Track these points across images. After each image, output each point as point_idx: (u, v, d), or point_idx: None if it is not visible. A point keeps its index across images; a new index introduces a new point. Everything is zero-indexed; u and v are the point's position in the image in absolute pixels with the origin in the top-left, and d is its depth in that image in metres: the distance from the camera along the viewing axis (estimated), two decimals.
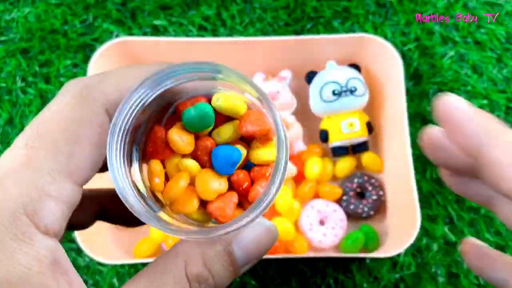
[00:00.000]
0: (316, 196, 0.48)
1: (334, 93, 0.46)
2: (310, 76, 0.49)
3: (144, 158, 0.19)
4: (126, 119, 0.16)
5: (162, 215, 0.17)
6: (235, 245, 0.17)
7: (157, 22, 0.54)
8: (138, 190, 0.17)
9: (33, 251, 0.14)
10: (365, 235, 0.46)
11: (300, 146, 0.48)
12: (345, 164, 0.49)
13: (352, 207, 0.47)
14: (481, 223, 0.48)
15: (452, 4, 0.56)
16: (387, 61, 0.47)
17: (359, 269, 0.47)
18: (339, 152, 0.48)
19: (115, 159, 0.16)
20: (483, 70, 0.54)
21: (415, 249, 0.47)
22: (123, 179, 0.16)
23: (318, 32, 0.55)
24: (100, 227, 0.46)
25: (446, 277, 0.47)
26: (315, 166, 0.47)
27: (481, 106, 0.52)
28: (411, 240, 0.40)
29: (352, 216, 0.48)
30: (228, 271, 0.17)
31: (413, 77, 0.54)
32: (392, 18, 0.56)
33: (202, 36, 0.55)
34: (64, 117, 0.16)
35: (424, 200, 0.49)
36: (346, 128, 0.47)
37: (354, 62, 0.49)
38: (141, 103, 0.17)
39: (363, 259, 0.47)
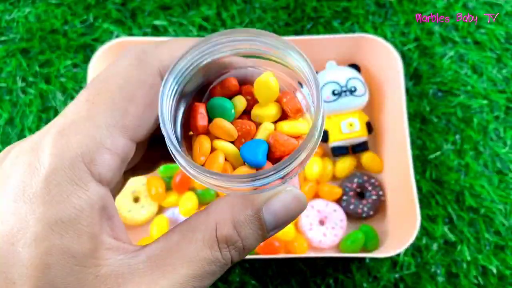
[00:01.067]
0: (316, 196, 0.48)
1: (334, 93, 0.46)
2: None
3: (185, 127, 0.20)
4: (178, 76, 0.18)
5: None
6: (265, 210, 0.18)
7: (157, 22, 0.55)
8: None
9: (86, 195, 0.16)
10: (365, 235, 0.46)
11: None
12: (345, 164, 0.49)
13: (352, 207, 0.47)
14: (481, 223, 0.48)
15: (452, 4, 0.56)
16: (386, 61, 0.47)
17: (359, 269, 0.47)
18: (339, 152, 0.48)
19: (165, 106, 0.17)
20: (483, 70, 0.54)
21: (415, 249, 0.47)
22: (168, 116, 0.17)
23: (318, 32, 0.55)
24: None
25: (446, 277, 0.47)
26: (315, 166, 0.47)
27: (480, 106, 0.52)
28: (410, 240, 0.40)
29: (352, 216, 0.48)
30: (257, 235, 0.18)
31: (413, 77, 0.54)
32: (392, 18, 0.56)
33: (203, 36, 0.55)
34: (122, 78, 0.17)
35: (424, 200, 0.49)
36: (346, 128, 0.47)
37: (354, 62, 0.49)
38: (190, 67, 0.18)
39: (363, 259, 0.47)
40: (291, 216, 0.19)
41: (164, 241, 0.17)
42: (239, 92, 0.20)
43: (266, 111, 0.19)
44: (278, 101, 0.20)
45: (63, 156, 0.16)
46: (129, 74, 0.18)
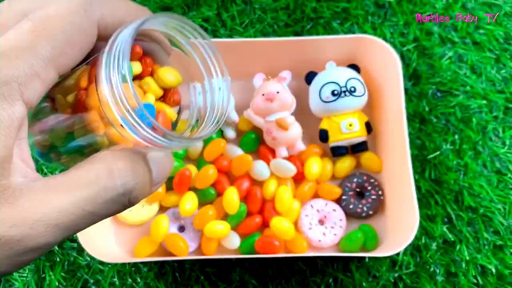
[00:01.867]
0: (316, 195, 0.49)
1: (333, 94, 0.46)
2: (310, 77, 0.49)
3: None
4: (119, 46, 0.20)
5: None
6: (149, 159, 0.21)
7: None
8: None
9: (11, 110, 0.18)
10: (364, 234, 0.46)
11: (300, 146, 0.48)
12: (345, 164, 0.49)
13: (351, 206, 0.48)
14: (480, 222, 0.48)
15: (451, 4, 0.57)
16: (386, 61, 0.47)
17: (359, 268, 0.47)
18: (338, 152, 0.48)
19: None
20: (482, 70, 0.54)
21: (414, 248, 0.48)
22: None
23: (317, 33, 0.55)
24: (101, 227, 0.46)
25: (445, 276, 0.47)
26: (315, 166, 0.47)
27: (479, 106, 0.53)
28: (410, 239, 0.41)
29: (351, 216, 0.48)
30: (147, 177, 0.21)
31: (412, 77, 0.54)
32: (391, 19, 0.56)
33: None
34: (67, 22, 0.20)
35: (423, 200, 0.49)
36: (346, 128, 0.47)
37: (354, 62, 0.49)
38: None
39: (363, 258, 0.47)
40: (166, 169, 0.22)
41: (63, 173, 0.19)
42: (139, 60, 0.23)
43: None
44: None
45: (1, 72, 0.18)
46: (74, 20, 0.20)
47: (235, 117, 0.49)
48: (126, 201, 0.20)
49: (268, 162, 0.48)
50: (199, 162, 0.49)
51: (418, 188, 0.49)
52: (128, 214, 0.47)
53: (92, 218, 0.19)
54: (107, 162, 0.19)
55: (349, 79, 0.47)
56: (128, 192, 0.20)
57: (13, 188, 0.17)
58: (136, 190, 0.20)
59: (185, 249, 0.45)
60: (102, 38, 0.21)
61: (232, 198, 0.45)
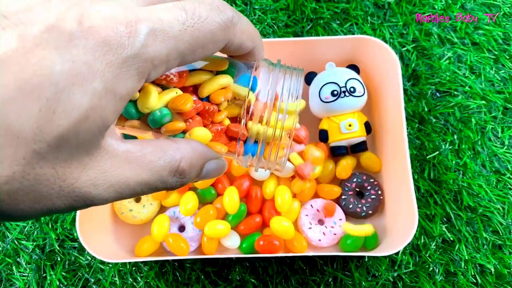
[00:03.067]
0: (316, 195, 0.49)
1: (333, 94, 0.47)
2: (310, 77, 0.49)
3: None
4: None
5: None
6: (206, 165, 0.23)
7: None
8: None
9: (137, 85, 0.18)
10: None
11: (300, 146, 0.48)
12: (344, 164, 0.49)
13: (351, 206, 0.48)
14: (479, 222, 0.48)
15: (450, 5, 0.57)
16: (385, 62, 0.47)
17: (358, 268, 0.47)
18: (338, 152, 0.49)
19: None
20: (481, 70, 0.54)
21: (413, 248, 0.48)
22: None
23: (317, 34, 0.55)
24: (102, 226, 0.47)
25: (444, 276, 0.47)
26: (315, 166, 0.47)
27: (478, 107, 0.53)
28: (409, 239, 0.41)
29: (351, 216, 0.48)
30: (193, 178, 0.22)
31: (411, 78, 0.54)
32: (391, 20, 0.57)
33: None
34: (212, 29, 0.20)
35: (422, 200, 0.49)
36: (345, 129, 0.47)
37: (353, 63, 0.50)
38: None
39: (362, 257, 0.48)
40: (212, 176, 0.24)
41: (141, 147, 0.20)
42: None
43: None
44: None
45: (151, 47, 0.18)
46: (216, 32, 0.20)
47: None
48: (167, 189, 0.22)
49: None
50: None
51: (417, 188, 0.49)
52: (130, 214, 0.47)
53: (140, 194, 0.21)
54: (173, 159, 0.21)
55: (349, 79, 0.47)
56: (174, 187, 0.22)
57: (105, 148, 0.18)
58: (180, 186, 0.22)
59: (186, 249, 0.45)
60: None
61: (232, 198, 0.46)
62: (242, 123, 0.23)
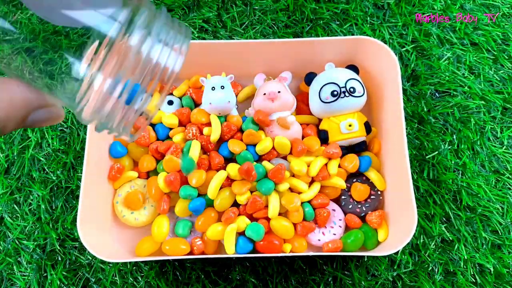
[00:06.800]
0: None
1: (333, 94, 0.47)
2: (310, 78, 0.49)
3: None
4: None
5: None
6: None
7: None
8: None
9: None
10: (363, 234, 0.46)
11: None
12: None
13: (350, 206, 0.48)
14: (478, 221, 0.49)
15: (449, 6, 0.57)
16: (385, 62, 0.48)
17: (358, 267, 0.48)
18: None
19: None
20: (480, 71, 0.55)
21: (413, 248, 0.48)
22: None
23: (317, 34, 0.56)
24: (103, 226, 0.47)
25: (443, 275, 0.47)
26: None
27: (477, 107, 0.53)
28: (408, 238, 0.41)
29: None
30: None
31: (411, 78, 0.54)
32: (390, 20, 0.57)
33: (203, 37, 0.56)
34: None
35: (421, 199, 0.49)
36: (345, 129, 0.47)
37: (353, 63, 0.50)
38: None
39: (362, 257, 0.48)
40: (41, 125, 0.23)
41: None
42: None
43: None
44: None
45: None
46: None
47: (235, 114, 0.50)
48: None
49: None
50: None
51: (416, 188, 0.50)
52: (131, 217, 0.47)
53: None
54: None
55: (349, 79, 0.47)
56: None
57: None
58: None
59: (186, 249, 0.45)
60: None
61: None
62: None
